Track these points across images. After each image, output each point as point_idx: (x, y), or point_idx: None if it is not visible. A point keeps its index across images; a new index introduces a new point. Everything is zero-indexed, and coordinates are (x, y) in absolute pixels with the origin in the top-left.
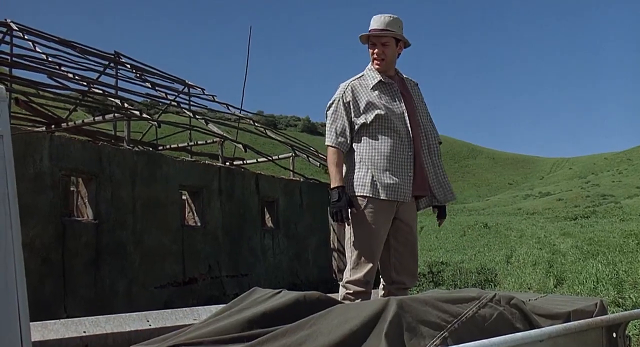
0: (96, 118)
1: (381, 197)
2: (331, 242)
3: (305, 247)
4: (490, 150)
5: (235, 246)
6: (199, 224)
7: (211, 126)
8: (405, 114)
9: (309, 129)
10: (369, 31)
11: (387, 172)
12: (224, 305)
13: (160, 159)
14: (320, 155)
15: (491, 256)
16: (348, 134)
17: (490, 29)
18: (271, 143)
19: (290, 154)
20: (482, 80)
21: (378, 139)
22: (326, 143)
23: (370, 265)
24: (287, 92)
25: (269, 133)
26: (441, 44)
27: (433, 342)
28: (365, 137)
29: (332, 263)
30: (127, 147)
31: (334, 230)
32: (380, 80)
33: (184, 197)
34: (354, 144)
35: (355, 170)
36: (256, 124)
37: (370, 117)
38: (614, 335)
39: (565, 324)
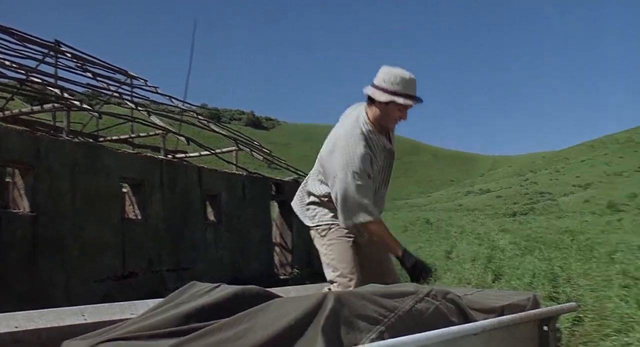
0: (34, 108)
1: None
2: (274, 237)
3: (248, 241)
4: (432, 147)
5: (176, 240)
6: (139, 217)
7: (153, 118)
8: (382, 184)
9: (253, 123)
10: (400, 94)
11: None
12: (162, 299)
13: (100, 151)
14: (264, 149)
15: (432, 251)
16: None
17: (430, 24)
18: (215, 136)
19: (234, 147)
20: (423, 76)
21: None
22: (365, 220)
23: (353, 264)
24: (231, 85)
25: (212, 126)
26: (386, 37)
27: (369, 336)
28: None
29: (274, 258)
30: (67, 138)
31: (276, 225)
32: (384, 146)
33: (124, 189)
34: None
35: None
36: (199, 117)
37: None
38: (546, 328)
39: (498, 318)
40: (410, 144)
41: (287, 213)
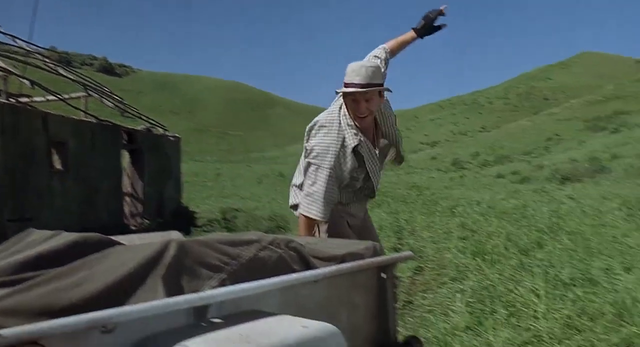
0: None
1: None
2: (124, 187)
3: (97, 191)
4: (287, 100)
5: (19, 189)
6: None
7: None
8: (360, 178)
9: (105, 69)
10: (348, 84)
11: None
12: None
13: None
14: (115, 96)
15: (285, 204)
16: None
17: None
18: (63, 81)
19: (83, 93)
20: (278, 28)
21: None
22: (312, 216)
23: None
24: (84, 29)
25: (60, 71)
26: None
27: (211, 283)
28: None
29: (124, 208)
30: None
31: (127, 175)
32: (359, 143)
33: None
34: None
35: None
36: (47, 60)
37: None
38: (384, 275)
39: (338, 266)
40: (266, 97)
41: (139, 162)
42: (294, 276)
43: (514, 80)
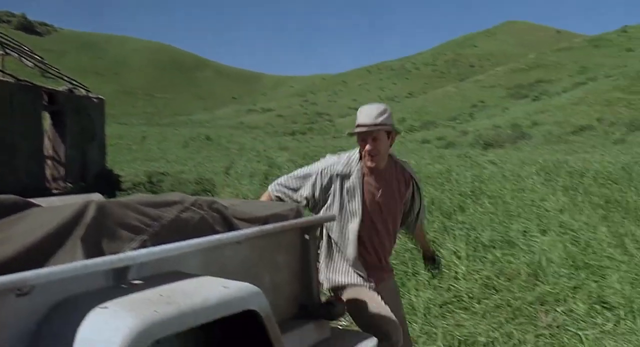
0: None
1: None
2: (45, 150)
3: (16, 154)
4: (216, 63)
5: None
6: None
7: None
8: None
9: (24, 27)
10: (356, 125)
11: None
12: None
13: None
14: (35, 56)
15: (211, 168)
16: (291, 194)
17: None
18: None
19: (0, 52)
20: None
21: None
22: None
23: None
24: None
25: None
26: None
27: (132, 245)
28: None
29: (45, 171)
30: None
31: (48, 137)
32: (353, 175)
33: None
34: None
35: None
36: None
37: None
38: (307, 237)
39: (262, 227)
40: (194, 59)
41: (61, 124)
42: (216, 237)
43: (441, 46)
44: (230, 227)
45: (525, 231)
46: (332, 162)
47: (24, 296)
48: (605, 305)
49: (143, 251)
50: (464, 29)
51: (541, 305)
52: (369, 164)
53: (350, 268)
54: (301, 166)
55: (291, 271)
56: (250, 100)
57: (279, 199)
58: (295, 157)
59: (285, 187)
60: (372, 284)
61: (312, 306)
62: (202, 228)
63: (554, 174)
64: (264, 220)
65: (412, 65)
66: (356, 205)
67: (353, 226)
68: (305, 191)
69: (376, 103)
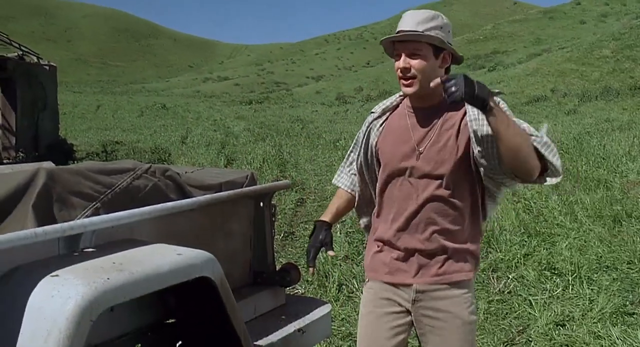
0: None
1: None
2: None
3: None
4: (172, 31)
5: None
6: None
7: None
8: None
9: None
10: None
11: None
12: None
13: None
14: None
15: (167, 137)
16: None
17: None
18: None
19: None
20: None
21: None
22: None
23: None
24: None
25: None
26: None
27: (84, 213)
28: None
29: None
30: None
31: None
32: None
33: None
34: None
35: None
36: None
37: None
38: (261, 204)
39: (216, 194)
40: (149, 26)
41: (11, 92)
42: (169, 204)
43: (399, 16)
44: (184, 194)
45: None
46: (374, 108)
47: None
48: (554, 271)
49: (95, 218)
50: None
51: (493, 272)
52: (403, 90)
53: (370, 257)
54: (258, 135)
55: (245, 238)
56: (207, 68)
57: (351, 191)
58: (252, 125)
59: (342, 168)
60: (373, 292)
61: (267, 273)
62: (155, 195)
63: None
64: (218, 187)
65: (370, 35)
66: (370, 154)
67: (364, 188)
68: (356, 160)
69: (427, 10)
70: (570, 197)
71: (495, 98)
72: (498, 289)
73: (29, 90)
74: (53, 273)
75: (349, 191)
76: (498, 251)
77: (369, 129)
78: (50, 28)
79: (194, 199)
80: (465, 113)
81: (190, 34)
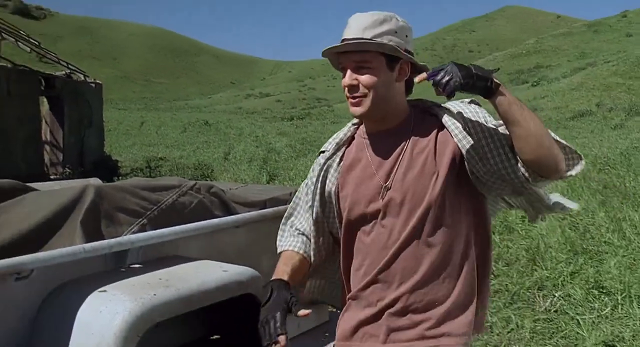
0: None
1: None
2: (43, 135)
3: (13, 139)
4: (214, 48)
5: None
6: None
7: None
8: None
9: (21, 11)
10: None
11: None
12: None
13: None
14: (32, 40)
15: (210, 153)
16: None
17: None
18: None
19: None
20: None
21: None
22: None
23: None
24: None
25: None
26: None
27: (130, 229)
28: None
29: (43, 157)
30: None
31: (46, 122)
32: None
33: None
34: None
35: None
36: None
37: None
38: None
39: (261, 211)
40: (192, 44)
41: (59, 110)
42: (215, 221)
43: (439, 32)
44: (229, 211)
45: (523, 216)
46: (325, 146)
47: (24, 279)
48: (602, 290)
49: (142, 235)
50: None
51: (539, 290)
52: (351, 110)
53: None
54: (300, 151)
55: None
56: (249, 85)
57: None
58: (294, 141)
59: (283, 230)
60: None
61: None
62: (200, 212)
63: None
64: (262, 204)
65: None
66: (330, 204)
67: (324, 242)
68: (312, 213)
69: (378, 11)
70: (618, 214)
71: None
72: (544, 307)
73: (75, 108)
74: (101, 288)
75: (300, 252)
76: (544, 268)
77: (322, 172)
78: (96, 46)
79: (239, 215)
80: (438, 132)
81: (232, 51)
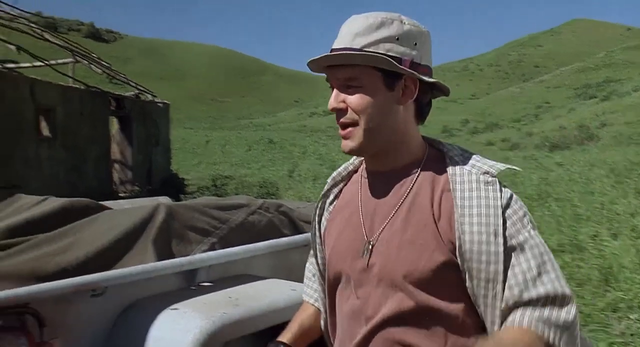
0: None
1: None
2: (113, 154)
3: (85, 158)
4: (277, 67)
5: (6, 156)
6: None
7: None
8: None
9: (93, 35)
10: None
11: None
12: None
13: None
14: (103, 62)
15: (275, 171)
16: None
17: None
18: (50, 47)
19: (71, 59)
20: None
21: None
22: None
23: None
24: None
25: (46, 36)
26: None
27: (200, 247)
28: None
29: (113, 175)
30: None
31: (116, 141)
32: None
33: None
34: None
35: None
36: (33, 26)
37: None
38: None
39: None
40: (256, 63)
41: (128, 129)
42: (283, 239)
43: (504, 47)
44: (297, 229)
45: (595, 235)
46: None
47: (98, 296)
48: None
49: (212, 253)
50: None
51: (613, 312)
52: (342, 145)
53: None
54: None
55: None
56: (312, 103)
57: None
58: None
59: (307, 275)
60: None
61: None
62: (269, 230)
63: (625, 176)
64: None
65: (476, 67)
66: (318, 247)
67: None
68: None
69: (377, 12)
70: None
71: (512, 199)
72: (619, 330)
73: (143, 127)
74: (172, 306)
75: (312, 301)
76: (618, 289)
77: (318, 210)
78: (163, 67)
79: (308, 234)
80: (443, 191)
81: (295, 69)
